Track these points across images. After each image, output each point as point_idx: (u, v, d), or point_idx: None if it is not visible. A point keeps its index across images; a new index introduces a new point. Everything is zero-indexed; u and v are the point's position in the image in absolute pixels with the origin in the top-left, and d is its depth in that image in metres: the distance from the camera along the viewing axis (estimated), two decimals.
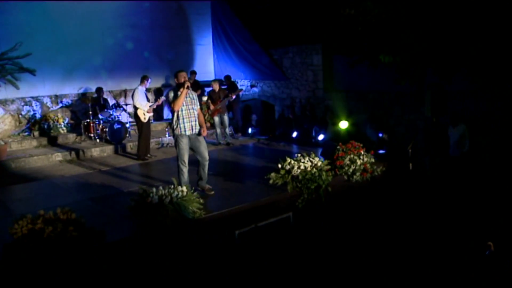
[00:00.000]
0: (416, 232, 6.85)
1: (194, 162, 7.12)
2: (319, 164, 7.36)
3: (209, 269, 5.69)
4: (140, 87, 9.86)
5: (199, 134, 6.92)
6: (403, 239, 6.69)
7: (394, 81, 9.30)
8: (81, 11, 12.29)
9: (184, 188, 6.05)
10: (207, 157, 6.97)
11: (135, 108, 9.78)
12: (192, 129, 6.78)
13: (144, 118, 9.75)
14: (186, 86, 6.60)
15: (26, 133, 11.83)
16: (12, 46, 9.78)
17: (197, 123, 6.85)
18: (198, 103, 6.96)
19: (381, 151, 9.09)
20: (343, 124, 10.05)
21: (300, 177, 7.11)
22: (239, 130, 13.19)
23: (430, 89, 8.42)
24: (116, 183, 8.11)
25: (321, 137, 10.83)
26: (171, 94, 6.78)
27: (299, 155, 7.46)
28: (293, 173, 7.13)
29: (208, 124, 12.88)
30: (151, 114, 10.28)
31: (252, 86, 14.56)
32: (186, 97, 6.70)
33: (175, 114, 6.72)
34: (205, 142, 7.03)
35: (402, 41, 8.93)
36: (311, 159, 7.40)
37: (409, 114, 10.20)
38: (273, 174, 7.25)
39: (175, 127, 6.77)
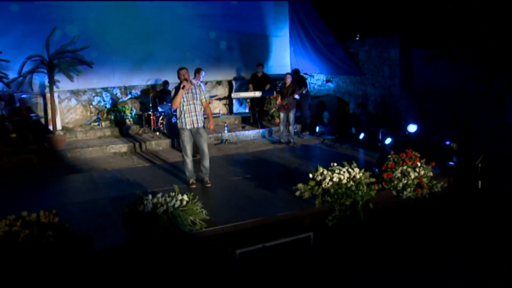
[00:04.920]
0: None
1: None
2: (358, 176, 6.29)
3: None
4: (193, 81, 9.42)
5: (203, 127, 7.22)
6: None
7: (475, 79, 7.77)
8: (153, 2, 12.25)
9: (185, 197, 5.44)
10: (206, 150, 7.25)
11: None
12: (193, 124, 7.09)
13: None
14: (182, 86, 6.95)
15: (97, 123, 12.11)
16: (71, 39, 9.91)
17: (199, 117, 7.12)
18: (200, 98, 7.17)
19: (450, 163, 7.61)
20: (412, 128, 8.66)
21: (331, 190, 6.11)
22: (306, 128, 12.25)
23: None
24: (148, 181, 7.77)
25: (388, 141, 9.52)
26: (172, 92, 7.21)
27: (335, 164, 6.45)
28: (323, 185, 6.15)
29: (277, 121, 12.17)
30: None
31: (327, 81, 13.50)
32: (188, 93, 7.08)
33: (177, 109, 7.14)
34: (206, 136, 7.29)
35: (493, 29, 7.40)
36: (349, 169, 6.36)
37: (496, 119, 8.51)
38: (300, 185, 6.33)
39: (178, 120, 7.20)
